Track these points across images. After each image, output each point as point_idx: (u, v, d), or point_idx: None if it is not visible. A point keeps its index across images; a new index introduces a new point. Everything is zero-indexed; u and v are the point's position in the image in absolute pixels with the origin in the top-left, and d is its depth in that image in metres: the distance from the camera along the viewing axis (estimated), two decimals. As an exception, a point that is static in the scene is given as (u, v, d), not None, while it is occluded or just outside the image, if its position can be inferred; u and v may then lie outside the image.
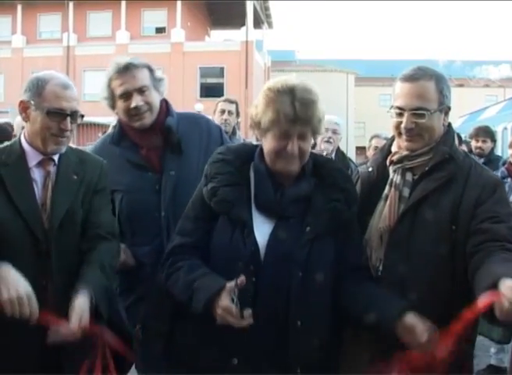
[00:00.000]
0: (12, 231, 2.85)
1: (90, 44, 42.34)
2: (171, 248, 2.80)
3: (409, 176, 2.92)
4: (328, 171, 2.82)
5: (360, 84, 58.14)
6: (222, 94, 35.34)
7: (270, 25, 50.04)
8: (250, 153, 2.82)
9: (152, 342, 2.87)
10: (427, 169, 2.86)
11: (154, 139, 3.54)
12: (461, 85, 61.58)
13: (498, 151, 18.71)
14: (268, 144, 2.68)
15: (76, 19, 42.44)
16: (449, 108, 2.91)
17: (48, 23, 43.91)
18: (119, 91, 3.47)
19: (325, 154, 6.22)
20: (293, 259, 2.60)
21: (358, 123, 56.29)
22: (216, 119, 6.93)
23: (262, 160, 2.75)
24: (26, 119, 3.01)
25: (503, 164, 6.36)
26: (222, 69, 40.67)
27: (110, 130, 4.31)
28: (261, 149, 2.77)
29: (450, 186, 2.80)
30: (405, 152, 2.92)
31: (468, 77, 60.00)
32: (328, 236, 2.70)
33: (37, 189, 2.98)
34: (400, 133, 2.91)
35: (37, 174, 3.00)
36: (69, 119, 2.96)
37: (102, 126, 16.32)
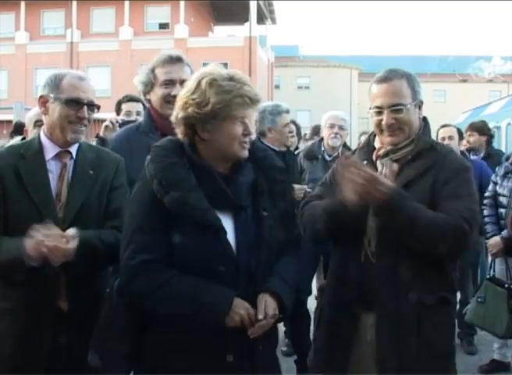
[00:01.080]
0: (27, 221, 2.88)
1: (94, 40, 42.38)
2: (136, 267, 2.57)
3: (395, 167, 3.16)
4: (261, 154, 2.91)
5: (364, 80, 57.85)
6: (226, 90, 35.35)
7: (273, 21, 50.00)
8: (179, 149, 2.73)
9: (115, 367, 2.72)
10: (410, 157, 3.15)
11: None
12: (465, 80, 61.54)
13: (502, 147, 18.71)
14: (228, 132, 2.66)
15: (80, 16, 42.43)
16: (421, 103, 3.23)
17: (52, 19, 43.92)
18: (163, 77, 3.64)
19: (332, 148, 6.46)
20: (259, 247, 2.70)
21: (362, 118, 56.11)
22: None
23: (198, 156, 2.70)
24: (45, 112, 3.15)
25: (507, 159, 6.35)
26: (225, 64, 39.26)
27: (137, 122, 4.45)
28: (190, 144, 2.73)
29: (430, 171, 3.09)
30: (389, 147, 3.19)
31: (475, 72, 59.72)
32: (279, 219, 2.80)
33: (53, 180, 3.09)
34: (381, 130, 3.18)
35: (53, 166, 3.12)
36: (86, 108, 3.11)
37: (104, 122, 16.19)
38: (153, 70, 3.71)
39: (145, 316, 2.66)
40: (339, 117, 6.64)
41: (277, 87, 52.73)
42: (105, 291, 2.98)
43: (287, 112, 5.72)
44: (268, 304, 2.65)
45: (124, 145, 3.69)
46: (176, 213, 2.56)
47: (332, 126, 6.53)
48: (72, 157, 3.16)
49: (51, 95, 3.09)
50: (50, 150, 3.13)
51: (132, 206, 2.72)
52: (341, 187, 2.91)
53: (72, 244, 2.76)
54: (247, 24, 42.75)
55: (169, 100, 3.55)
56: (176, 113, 2.75)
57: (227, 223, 2.67)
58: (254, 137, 2.76)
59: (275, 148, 5.47)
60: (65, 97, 3.07)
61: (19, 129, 6.58)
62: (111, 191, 3.20)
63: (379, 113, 3.17)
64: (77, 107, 3.08)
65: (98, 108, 3.21)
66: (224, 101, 2.62)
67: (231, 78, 2.69)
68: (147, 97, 3.79)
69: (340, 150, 6.43)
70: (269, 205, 2.78)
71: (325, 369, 3.20)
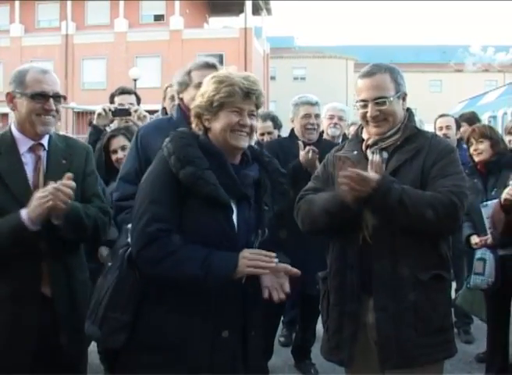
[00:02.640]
0: (9, 213, 3.03)
1: (89, 32, 42.25)
2: (152, 234, 2.75)
3: (385, 155, 3.37)
4: (267, 158, 3.13)
5: (360, 70, 57.80)
6: (222, 82, 35.30)
7: (269, 11, 49.85)
8: (194, 138, 2.94)
9: (113, 336, 2.82)
10: (399, 143, 3.36)
11: None
12: (460, 70, 61.50)
13: (498, 136, 18.70)
14: (221, 121, 2.88)
15: (75, 8, 42.29)
16: (405, 94, 3.45)
17: (47, 11, 43.78)
18: (198, 80, 3.88)
19: (331, 138, 6.53)
20: (255, 235, 2.98)
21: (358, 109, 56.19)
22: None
23: (212, 145, 2.91)
24: (13, 108, 3.26)
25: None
26: (221, 56, 40.49)
27: (164, 115, 4.98)
28: (204, 134, 2.95)
29: (419, 154, 3.30)
30: (376, 137, 3.40)
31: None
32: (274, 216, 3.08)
33: (29, 173, 3.20)
34: (367, 122, 3.40)
35: (28, 159, 3.23)
36: (52, 100, 3.23)
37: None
38: (189, 73, 4.10)
39: (149, 287, 2.81)
40: (338, 108, 6.85)
41: (273, 78, 52.67)
42: (86, 277, 3.32)
43: (309, 103, 5.73)
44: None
45: (154, 132, 4.01)
46: (189, 188, 2.76)
47: (331, 117, 6.73)
48: (44, 148, 3.28)
49: (17, 91, 3.21)
50: (23, 143, 3.25)
51: (148, 180, 2.89)
52: (338, 186, 3.14)
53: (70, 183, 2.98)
54: (242, 15, 42.72)
55: None
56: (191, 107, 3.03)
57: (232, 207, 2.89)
58: (253, 130, 2.97)
59: (303, 140, 5.55)
60: (31, 91, 3.19)
61: None
62: (84, 178, 3.36)
63: (365, 106, 3.38)
64: (43, 100, 3.20)
65: (65, 98, 3.37)
66: (216, 89, 2.85)
67: (231, 74, 2.91)
68: (180, 95, 4.16)
69: (340, 140, 6.44)
70: (270, 202, 3.03)
71: (338, 353, 3.37)
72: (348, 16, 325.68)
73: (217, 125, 2.88)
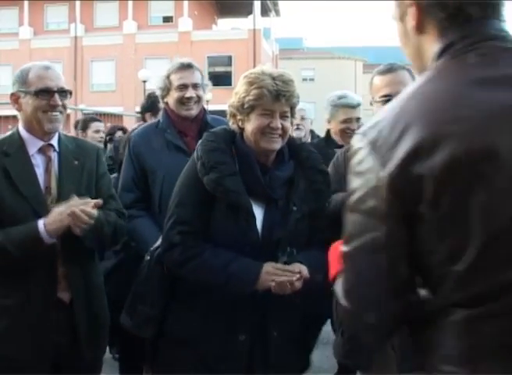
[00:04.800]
0: (21, 216, 2.98)
1: (98, 34, 42.42)
2: (176, 236, 2.84)
3: None
4: (305, 154, 3.05)
5: (369, 71, 57.02)
6: (231, 83, 35.35)
7: (277, 13, 49.94)
8: (231, 138, 2.94)
9: (142, 328, 3.00)
10: None
11: (194, 129, 4.13)
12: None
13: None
14: (252, 123, 2.83)
15: (83, 10, 42.46)
16: None
17: (55, 13, 43.96)
18: (177, 82, 4.10)
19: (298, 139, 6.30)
20: (283, 239, 2.86)
21: (367, 110, 55.90)
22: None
23: (244, 144, 2.89)
24: (19, 108, 3.19)
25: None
26: (229, 57, 40.65)
27: (152, 120, 5.04)
28: (240, 134, 2.93)
29: None
30: None
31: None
32: (307, 216, 2.93)
33: (40, 174, 3.12)
34: None
35: (38, 160, 3.15)
36: (57, 95, 3.13)
37: (110, 116, 16.15)
38: (168, 77, 4.17)
39: (176, 285, 2.94)
40: (298, 108, 6.34)
41: (281, 79, 52.49)
42: (101, 281, 3.32)
43: (350, 106, 4.81)
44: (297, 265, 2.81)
45: (144, 140, 4.11)
46: (213, 193, 2.78)
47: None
48: (54, 149, 3.20)
49: (21, 90, 3.14)
50: (32, 144, 3.16)
51: (179, 183, 2.95)
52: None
53: (95, 211, 2.94)
54: (250, 17, 42.74)
55: (184, 101, 4.08)
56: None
57: (258, 211, 2.87)
58: (286, 132, 2.87)
59: (341, 144, 4.78)
60: (34, 88, 3.10)
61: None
62: (98, 180, 3.30)
63: (389, 101, 3.08)
64: (48, 96, 3.11)
65: (71, 93, 3.26)
66: (246, 91, 2.81)
67: (263, 73, 2.83)
68: (165, 100, 4.22)
69: (309, 139, 6.37)
70: (300, 202, 2.92)
71: (356, 357, 3.31)
72: (357, 17, 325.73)
73: (249, 127, 2.85)
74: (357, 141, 1.53)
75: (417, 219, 1.42)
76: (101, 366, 3.43)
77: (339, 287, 1.64)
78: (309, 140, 6.36)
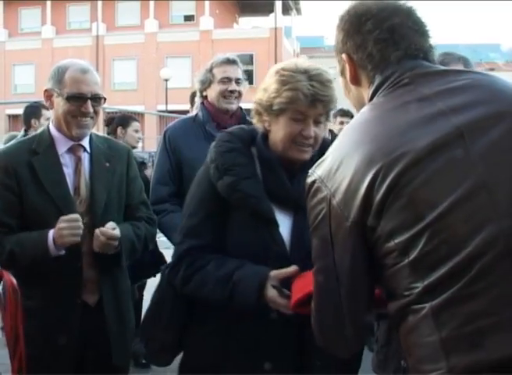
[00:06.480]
0: (46, 217, 2.92)
1: (119, 33, 42.60)
2: (182, 252, 2.53)
3: None
4: None
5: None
6: (252, 82, 35.20)
7: (299, 11, 49.83)
8: (250, 138, 2.58)
9: (157, 356, 2.76)
10: None
11: (233, 123, 3.98)
12: (492, 69, 60.85)
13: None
14: (281, 128, 2.45)
15: (105, 9, 42.66)
16: None
17: (77, 13, 44.22)
18: (221, 75, 4.13)
19: None
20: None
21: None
22: None
23: (267, 147, 2.53)
24: (51, 106, 3.09)
25: None
26: (251, 56, 40.55)
27: (190, 114, 5.09)
28: (262, 136, 2.56)
29: None
30: None
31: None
32: None
33: (69, 174, 3.04)
34: None
35: (67, 160, 3.07)
36: (89, 102, 2.99)
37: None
38: (211, 70, 4.17)
39: (194, 306, 2.58)
40: None
41: (303, 77, 52.38)
42: (129, 285, 3.19)
43: None
44: None
45: (182, 133, 4.17)
46: (228, 200, 2.45)
47: None
48: (85, 149, 3.13)
49: (55, 90, 3.02)
50: (62, 143, 3.07)
51: (191, 191, 2.63)
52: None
53: (117, 231, 2.91)
54: (272, 15, 42.69)
55: (226, 95, 4.12)
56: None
57: (285, 219, 2.50)
58: (317, 140, 2.48)
59: None
60: (68, 92, 2.97)
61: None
62: (129, 183, 3.21)
63: None
64: (80, 102, 2.98)
65: (105, 99, 3.13)
66: (277, 91, 2.42)
67: (298, 70, 2.44)
68: (204, 93, 4.23)
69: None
70: None
71: (385, 367, 3.08)
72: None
73: (276, 131, 2.47)
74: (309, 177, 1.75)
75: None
76: (129, 369, 3.39)
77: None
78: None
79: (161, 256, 5.08)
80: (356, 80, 1.87)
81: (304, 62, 2.53)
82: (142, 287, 5.66)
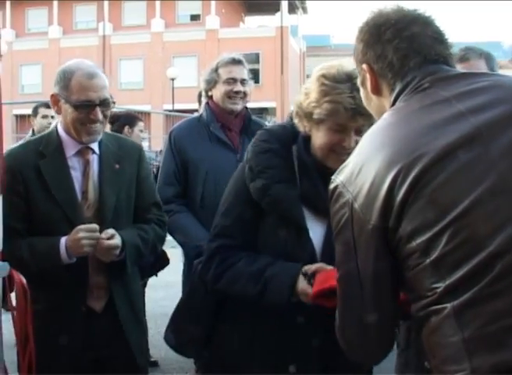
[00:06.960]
0: (53, 221, 2.90)
1: (126, 33, 42.64)
2: (213, 249, 2.49)
3: None
4: None
5: (397, 68, 57.25)
6: (258, 80, 35.28)
7: (305, 10, 49.75)
8: (290, 138, 2.49)
9: (185, 348, 2.79)
10: None
11: (237, 124, 4.19)
12: (500, 67, 60.64)
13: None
14: (321, 137, 2.38)
15: (112, 9, 42.71)
16: None
17: (84, 13, 44.27)
18: (226, 76, 4.12)
19: None
20: None
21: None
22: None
23: (306, 151, 2.45)
24: (58, 111, 3.01)
25: None
26: (257, 55, 40.50)
27: (195, 114, 5.11)
28: (304, 137, 2.46)
29: None
30: None
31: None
32: None
33: (77, 178, 2.98)
34: None
35: (75, 163, 2.99)
36: (98, 108, 2.89)
37: (138, 114, 16.17)
38: (216, 70, 4.16)
39: (223, 304, 2.58)
40: None
41: (309, 76, 51.88)
42: (140, 286, 3.16)
43: None
44: None
45: (187, 133, 4.18)
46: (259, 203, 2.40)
47: None
48: (94, 152, 3.04)
49: (62, 95, 2.93)
50: (70, 146, 2.99)
51: (228, 187, 2.57)
52: None
53: (116, 240, 2.84)
54: (278, 14, 42.64)
55: (231, 95, 4.11)
56: None
57: (317, 226, 2.43)
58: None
59: None
60: (75, 99, 2.87)
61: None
62: (139, 183, 3.14)
63: None
64: (89, 109, 2.88)
65: (114, 103, 3.02)
66: (318, 101, 2.34)
67: (340, 77, 2.35)
68: (209, 93, 4.22)
69: None
70: None
71: (405, 370, 3.09)
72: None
73: (316, 138, 2.40)
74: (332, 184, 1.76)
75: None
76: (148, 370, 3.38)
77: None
78: None
79: (163, 255, 5.05)
80: (377, 90, 1.88)
81: (348, 64, 2.36)
82: (143, 285, 5.67)
